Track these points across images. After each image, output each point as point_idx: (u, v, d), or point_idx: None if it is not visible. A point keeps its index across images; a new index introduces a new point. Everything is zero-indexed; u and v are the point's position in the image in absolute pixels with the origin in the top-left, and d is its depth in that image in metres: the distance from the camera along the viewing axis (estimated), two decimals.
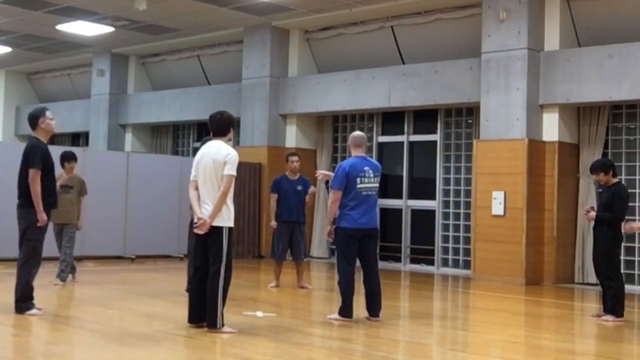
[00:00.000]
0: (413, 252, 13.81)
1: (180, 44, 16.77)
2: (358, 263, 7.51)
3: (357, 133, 7.78)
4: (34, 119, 7.11)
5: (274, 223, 9.90)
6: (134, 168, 13.69)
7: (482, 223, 11.85)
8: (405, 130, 14.05)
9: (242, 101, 15.24)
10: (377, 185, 7.49)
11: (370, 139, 14.51)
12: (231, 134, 6.73)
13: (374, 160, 7.87)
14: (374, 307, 7.46)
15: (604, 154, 11.47)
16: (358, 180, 7.36)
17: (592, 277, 10.75)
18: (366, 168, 7.43)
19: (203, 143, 6.92)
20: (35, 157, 6.89)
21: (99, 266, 12.40)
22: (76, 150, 14.32)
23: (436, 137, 13.52)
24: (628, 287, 8.82)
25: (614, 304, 7.94)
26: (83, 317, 7.10)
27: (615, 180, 8.21)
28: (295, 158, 10.14)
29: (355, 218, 7.34)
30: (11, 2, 13.67)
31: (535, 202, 11.50)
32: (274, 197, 9.96)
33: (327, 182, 14.22)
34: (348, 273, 7.40)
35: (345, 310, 7.40)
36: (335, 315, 7.44)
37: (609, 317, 7.91)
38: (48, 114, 7.17)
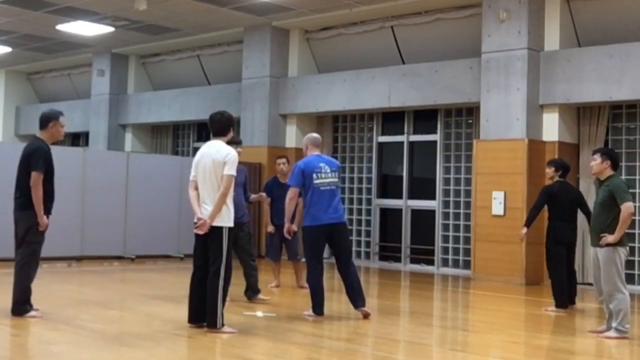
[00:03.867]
0: (413, 252, 13.81)
1: (180, 44, 16.77)
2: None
3: (315, 135, 8.00)
4: (46, 121, 6.98)
5: (271, 228, 9.66)
6: (134, 168, 13.68)
7: (482, 223, 11.85)
8: (405, 130, 14.05)
9: (242, 101, 15.24)
10: (336, 180, 7.61)
11: (370, 139, 14.55)
12: (231, 134, 6.73)
13: (329, 157, 7.99)
14: (357, 299, 7.50)
15: None
16: (314, 176, 7.47)
17: (592, 277, 10.72)
18: (321, 164, 7.56)
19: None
20: (39, 160, 6.77)
21: (99, 266, 12.40)
22: (76, 150, 14.31)
23: (436, 137, 13.52)
24: (628, 288, 8.81)
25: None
26: (83, 317, 7.10)
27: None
28: (282, 160, 9.93)
29: (317, 215, 7.43)
30: (11, 2, 13.66)
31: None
32: (267, 200, 9.76)
33: None
34: (316, 271, 7.48)
35: (317, 308, 7.49)
36: (310, 312, 7.54)
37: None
38: (62, 120, 7.04)
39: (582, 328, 7.89)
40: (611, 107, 11.66)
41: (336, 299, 8.79)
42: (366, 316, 7.47)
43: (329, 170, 7.56)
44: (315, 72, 15.09)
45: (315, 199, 7.44)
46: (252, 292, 8.53)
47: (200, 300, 6.50)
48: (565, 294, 8.76)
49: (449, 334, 7.52)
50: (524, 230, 9.03)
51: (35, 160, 6.78)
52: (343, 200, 13.58)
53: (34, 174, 6.76)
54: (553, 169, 9.04)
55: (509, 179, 11.57)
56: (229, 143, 8.50)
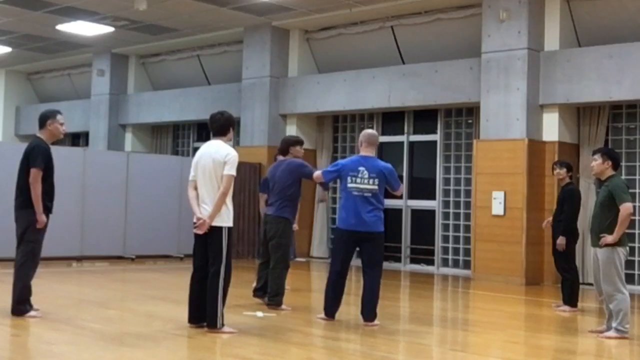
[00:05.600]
0: (413, 252, 13.81)
1: (180, 44, 16.78)
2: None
3: (371, 131, 7.57)
4: (44, 119, 7.02)
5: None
6: (134, 168, 13.68)
7: (482, 223, 11.85)
8: (405, 130, 14.05)
9: (242, 101, 15.24)
10: (373, 187, 7.18)
11: None
12: (231, 134, 6.72)
13: (380, 161, 7.49)
14: (363, 312, 7.25)
15: None
16: (349, 179, 7.18)
17: (592, 277, 10.72)
18: (361, 168, 7.19)
19: None
20: (37, 157, 6.79)
21: (99, 266, 12.40)
22: (76, 150, 14.30)
23: (436, 137, 13.52)
24: (628, 288, 8.82)
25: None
26: (83, 317, 7.10)
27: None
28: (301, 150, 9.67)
29: (343, 218, 7.23)
30: (11, 2, 13.67)
31: (535, 202, 11.50)
32: (264, 197, 9.09)
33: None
34: (331, 274, 7.34)
35: (325, 310, 7.37)
36: (323, 315, 7.43)
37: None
38: (59, 117, 7.06)
39: (582, 328, 7.89)
40: (611, 107, 11.66)
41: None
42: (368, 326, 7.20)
43: (366, 176, 7.15)
44: (315, 72, 15.09)
45: (345, 203, 7.22)
46: (264, 293, 8.28)
47: (200, 301, 6.49)
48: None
49: (449, 334, 7.52)
50: (564, 240, 8.85)
51: (34, 157, 6.80)
52: None
53: (32, 171, 6.78)
54: (565, 169, 9.08)
55: (509, 179, 11.57)
56: (293, 143, 8.47)
